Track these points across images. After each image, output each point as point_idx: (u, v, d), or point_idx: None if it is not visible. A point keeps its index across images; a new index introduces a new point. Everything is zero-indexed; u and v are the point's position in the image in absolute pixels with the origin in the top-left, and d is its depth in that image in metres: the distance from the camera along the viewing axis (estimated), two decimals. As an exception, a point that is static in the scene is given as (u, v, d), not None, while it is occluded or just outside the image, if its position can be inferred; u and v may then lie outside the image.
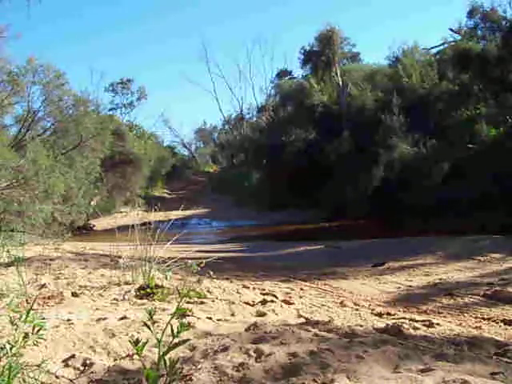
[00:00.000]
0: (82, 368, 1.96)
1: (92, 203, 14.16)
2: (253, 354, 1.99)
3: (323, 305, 3.97)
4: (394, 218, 12.02)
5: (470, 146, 11.97)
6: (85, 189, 12.03)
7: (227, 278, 5.07)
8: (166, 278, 3.61)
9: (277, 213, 16.77)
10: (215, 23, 53.38)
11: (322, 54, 22.53)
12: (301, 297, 4.34)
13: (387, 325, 2.69)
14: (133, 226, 4.12)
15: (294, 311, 3.48)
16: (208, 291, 3.69)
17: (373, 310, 3.94)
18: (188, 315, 2.65)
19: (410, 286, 5.25)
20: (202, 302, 3.27)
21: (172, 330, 1.56)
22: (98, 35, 50.69)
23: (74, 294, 3.40)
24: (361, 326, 2.78)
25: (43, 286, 3.61)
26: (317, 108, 18.82)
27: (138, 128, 28.63)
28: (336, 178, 15.65)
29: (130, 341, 1.63)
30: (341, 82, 19.12)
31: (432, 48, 18.45)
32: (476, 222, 9.60)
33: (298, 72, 26.84)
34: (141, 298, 3.35)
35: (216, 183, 28.17)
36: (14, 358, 1.61)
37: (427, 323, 3.16)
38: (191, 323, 2.39)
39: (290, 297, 4.17)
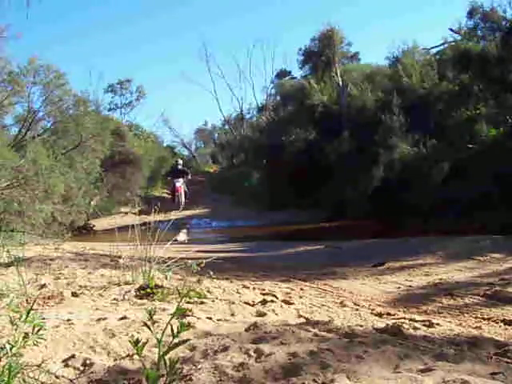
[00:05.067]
0: (81, 368, 1.96)
1: (92, 203, 14.19)
2: (253, 354, 1.99)
3: (323, 305, 3.96)
4: (394, 218, 12.02)
5: (470, 146, 11.97)
6: (85, 189, 12.05)
7: (227, 278, 5.06)
8: (166, 278, 3.61)
9: (277, 213, 16.77)
10: (215, 23, 53.36)
11: (322, 54, 22.55)
12: (301, 297, 4.33)
13: (387, 325, 2.69)
14: (133, 225, 4.12)
15: (294, 311, 3.47)
16: (208, 291, 3.68)
17: (373, 310, 3.94)
18: (188, 315, 2.65)
19: (410, 286, 5.24)
20: (201, 302, 3.26)
21: (172, 330, 1.56)
22: (96, 35, 50.71)
23: (74, 294, 3.40)
24: (361, 326, 2.78)
25: (43, 286, 3.61)
26: (317, 108, 18.82)
27: (138, 128, 28.65)
28: (336, 177, 15.65)
29: (130, 341, 1.63)
30: (341, 82, 19.14)
31: (432, 48, 18.48)
32: (476, 222, 9.60)
33: (298, 72, 26.85)
34: (141, 298, 3.35)
35: (216, 183, 28.15)
36: (14, 358, 1.61)
37: (427, 323, 3.16)
38: (191, 323, 2.39)
39: (290, 297, 4.16)
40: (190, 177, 17.50)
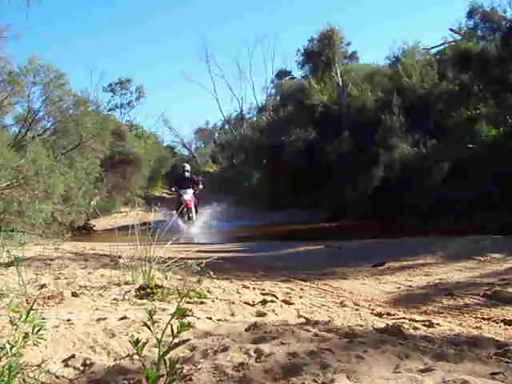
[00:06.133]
0: (81, 368, 1.96)
1: (92, 203, 14.17)
2: (253, 354, 1.99)
3: (323, 305, 3.96)
4: (394, 218, 12.02)
5: (470, 146, 11.97)
6: (85, 189, 12.04)
7: (227, 278, 5.06)
8: (166, 278, 3.61)
9: (277, 213, 16.76)
10: (215, 23, 53.40)
11: (322, 54, 22.56)
12: (301, 297, 4.33)
13: (387, 325, 2.69)
14: (133, 225, 4.12)
15: (294, 311, 3.47)
16: (208, 291, 3.68)
17: (373, 310, 3.94)
18: (188, 315, 2.65)
19: (410, 286, 5.24)
20: (201, 302, 3.26)
21: (172, 330, 1.56)
22: (97, 35, 50.74)
23: (74, 294, 3.40)
24: (361, 326, 2.78)
25: (43, 286, 3.61)
26: (317, 108, 18.82)
27: (138, 128, 28.65)
28: (336, 178, 15.66)
29: (130, 341, 1.63)
30: (341, 82, 19.14)
31: (432, 48, 18.49)
32: (476, 222, 9.60)
33: (298, 72, 26.85)
34: (141, 298, 3.35)
35: (216, 183, 28.11)
36: (14, 358, 1.61)
37: (427, 323, 3.16)
38: (191, 323, 2.39)
39: (290, 297, 4.16)
40: (202, 187, 13.05)
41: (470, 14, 16.55)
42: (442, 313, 4.03)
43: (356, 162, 14.64)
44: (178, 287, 3.30)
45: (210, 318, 2.75)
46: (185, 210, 11.40)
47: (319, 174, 16.09)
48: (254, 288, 4.47)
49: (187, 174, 12.57)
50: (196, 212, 12.33)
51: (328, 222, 13.81)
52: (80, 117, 13.09)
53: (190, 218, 11.49)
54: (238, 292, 4.01)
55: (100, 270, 4.51)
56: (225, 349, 2.06)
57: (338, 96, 18.95)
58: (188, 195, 12.00)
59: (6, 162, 8.20)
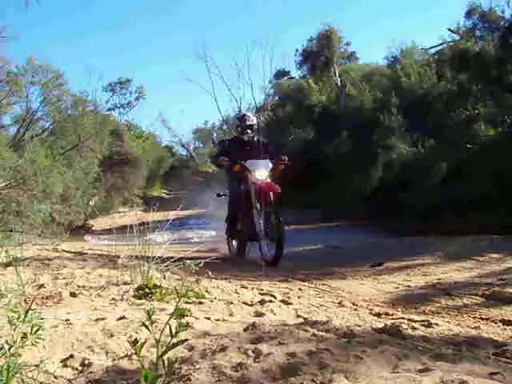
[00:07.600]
0: (80, 368, 1.96)
1: (90, 203, 14.19)
2: (251, 354, 1.99)
3: (322, 305, 3.96)
4: (394, 218, 12.01)
5: (469, 146, 11.97)
6: (83, 189, 12.05)
7: (226, 278, 5.06)
8: (165, 278, 3.61)
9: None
10: (214, 22, 53.42)
11: (321, 54, 22.57)
12: (299, 297, 4.33)
13: (386, 325, 2.69)
14: (131, 226, 4.12)
15: (293, 311, 3.47)
16: (206, 291, 3.68)
17: (371, 310, 3.94)
18: (186, 315, 2.64)
19: (409, 286, 5.24)
20: (200, 302, 3.26)
21: (170, 330, 1.56)
22: (96, 35, 50.77)
23: (73, 294, 3.39)
24: (359, 326, 2.78)
25: (42, 285, 3.60)
26: (315, 108, 18.82)
27: (137, 128, 28.69)
28: (335, 178, 15.64)
29: (128, 341, 1.63)
30: (339, 82, 19.15)
31: (431, 48, 18.49)
32: (476, 222, 9.57)
33: (297, 72, 26.85)
34: (139, 298, 3.34)
35: (215, 183, 28.03)
36: (13, 358, 1.61)
37: (426, 323, 3.16)
38: (190, 323, 2.39)
39: (289, 297, 4.15)
40: (287, 159, 7.21)
41: (469, 14, 16.55)
42: (440, 313, 4.03)
43: (355, 162, 14.63)
44: (177, 287, 3.30)
45: (209, 318, 2.75)
46: (258, 205, 6.40)
47: (318, 174, 16.08)
48: (252, 288, 4.46)
49: (251, 134, 6.95)
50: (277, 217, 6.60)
51: (327, 222, 13.80)
52: (78, 117, 13.13)
53: (268, 229, 6.09)
54: (236, 292, 4.01)
55: (98, 270, 4.50)
56: (223, 349, 2.06)
57: (336, 96, 18.97)
58: (262, 172, 6.52)
59: (4, 162, 8.21)
